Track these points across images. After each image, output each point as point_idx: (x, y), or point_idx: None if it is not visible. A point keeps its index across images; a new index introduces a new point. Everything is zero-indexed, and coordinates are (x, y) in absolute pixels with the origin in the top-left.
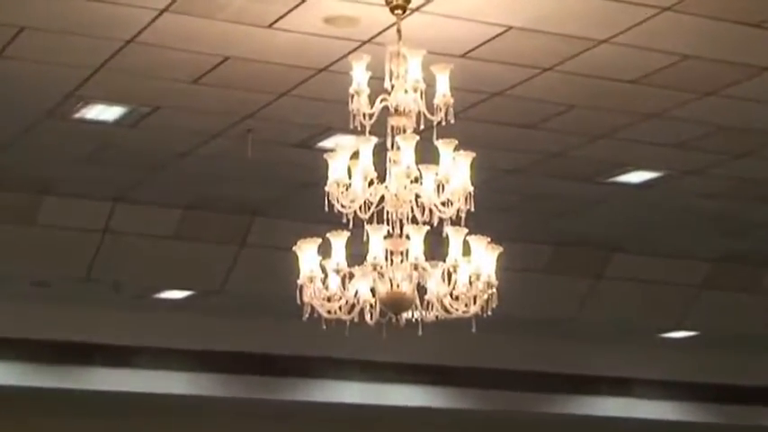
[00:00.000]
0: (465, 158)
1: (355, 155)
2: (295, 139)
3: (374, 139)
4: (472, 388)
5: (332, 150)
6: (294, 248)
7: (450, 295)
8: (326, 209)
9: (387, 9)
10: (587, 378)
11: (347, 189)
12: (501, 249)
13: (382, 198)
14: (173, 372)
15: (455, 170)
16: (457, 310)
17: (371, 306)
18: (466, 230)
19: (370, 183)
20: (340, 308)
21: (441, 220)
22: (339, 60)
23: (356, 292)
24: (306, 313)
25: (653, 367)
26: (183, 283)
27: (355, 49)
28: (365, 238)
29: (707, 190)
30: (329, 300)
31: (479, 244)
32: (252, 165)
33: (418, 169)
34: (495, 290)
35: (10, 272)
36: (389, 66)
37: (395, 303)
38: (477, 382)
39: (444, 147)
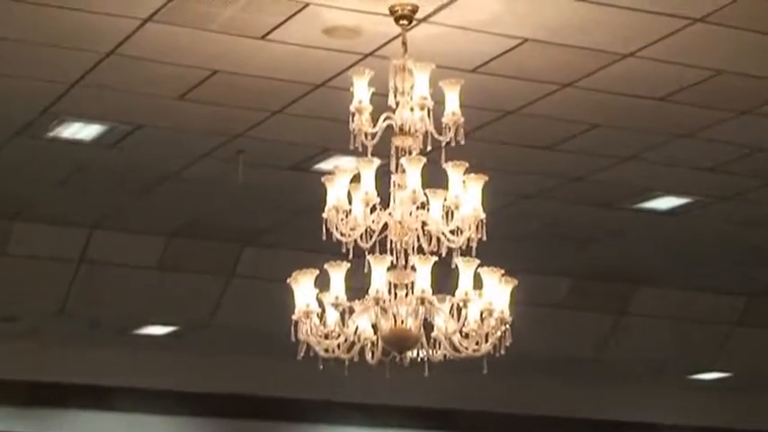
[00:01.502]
0: (476, 182)
1: (356, 178)
2: (290, 160)
3: (377, 162)
4: None
5: (330, 173)
6: (289, 280)
7: (460, 332)
8: (324, 237)
9: (391, 19)
10: (610, 424)
11: (347, 216)
12: (515, 282)
13: (385, 226)
14: (155, 415)
15: (465, 195)
16: (467, 348)
17: (373, 344)
18: (477, 261)
19: (373, 209)
20: (338, 346)
21: (449, 251)
22: (339, 75)
23: (356, 329)
24: (301, 351)
25: (682, 412)
26: (166, 318)
27: (356, 63)
28: (366, 269)
29: (742, 217)
30: (327, 337)
31: (492, 276)
32: (243, 189)
33: (425, 194)
34: (508, 327)
35: None
36: (394, 81)
37: (399, 341)
38: (488, 428)
39: (454, 170)
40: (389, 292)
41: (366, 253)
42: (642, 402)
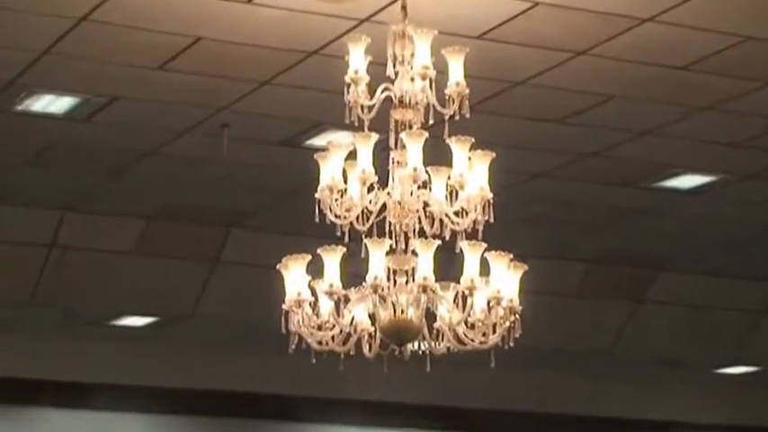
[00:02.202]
0: (482, 159)
1: (352, 155)
2: (279, 136)
3: (374, 136)
4: None
5: (324, 150)
6: (278, 266)
7: (465, 323)
8: (317, 219)
9: None
10: (628, 422)
11: (342, 196)
12: (525, 268)
13: (384, 207)
14: (134, 414)
15: (471, 173)
16: (472, 340)
17: (371, 336)
18: (484, 246)
19: (370, 188)
20: (333, 338)
21: (454, 234)
22: (333, 42)
23: (352, 319)
24: (292, 344)
25: (705, 409)
26: (145, 308)
27: (352, 29)
28: (363, 254)
29: None
30: (320, 328)
31: (500, 262)
32: (228, 167)
33: (427, 172)
34: (517, 317)
35: None
36: (393, 49)
37: (399, 332)
38: (496, 426)
39: (458, 145)
40: (388, 279)
41: (363, 236)
42: (662, 398)
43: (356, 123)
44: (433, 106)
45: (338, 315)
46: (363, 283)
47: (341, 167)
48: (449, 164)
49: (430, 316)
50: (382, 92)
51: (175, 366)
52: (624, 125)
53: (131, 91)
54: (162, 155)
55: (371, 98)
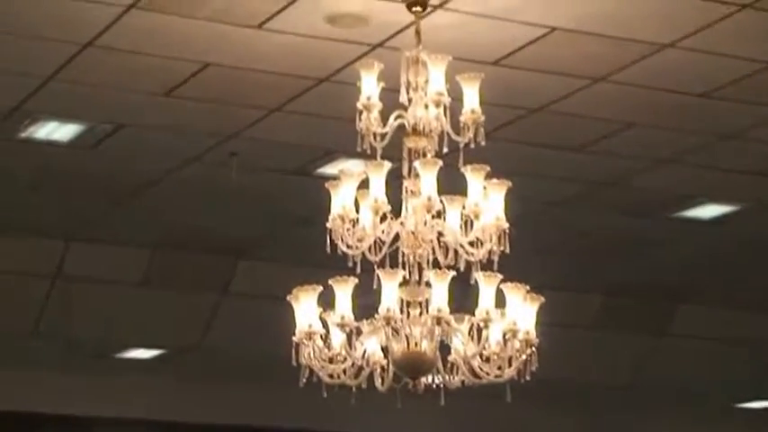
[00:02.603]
0: (498, 188)
1: (364, 184)
2: (290, 164)
3: (387, 165)
4: None
5: (335, 178)
6: (288, 298)
7: (480, 356)
8: (328, 250)
9: (403, 5)
10: None
11: (354, 225)
12: (542, 300)
13: (397, 237)
14: None
15: (486, 203)
16: (488, 374)
17: (383, 369)
18: (499, 277)
19: (383, 218)
20: (345, 371)
21: (468, 265)
22: (344, 68)
23: (365, 352)
24: (303, 378)
25: None
26: (151, 341)
27: (364, 55)
28: (376, 285)
29: None
30: (332, 361)
31: (516, 293)
32: (237, 195)
33: (441, 201)
34: (534, 350)
35: None
36: (406, 75)
37: (412, 365)
38: None
39: (473, 174)
40: (401, 310)
41: (375, 267)
42: None
43: (368, 151)
44: (448, 134)
45: (350, 347)
46: (376, 315)
47: (353, 196)
48: (463, 193)
49: (444, 349)
50: (395, 119)
51: (182, 400)
52: (643, 153)
53: (138, 118)
54: (169, 183)
55: (384, 125)
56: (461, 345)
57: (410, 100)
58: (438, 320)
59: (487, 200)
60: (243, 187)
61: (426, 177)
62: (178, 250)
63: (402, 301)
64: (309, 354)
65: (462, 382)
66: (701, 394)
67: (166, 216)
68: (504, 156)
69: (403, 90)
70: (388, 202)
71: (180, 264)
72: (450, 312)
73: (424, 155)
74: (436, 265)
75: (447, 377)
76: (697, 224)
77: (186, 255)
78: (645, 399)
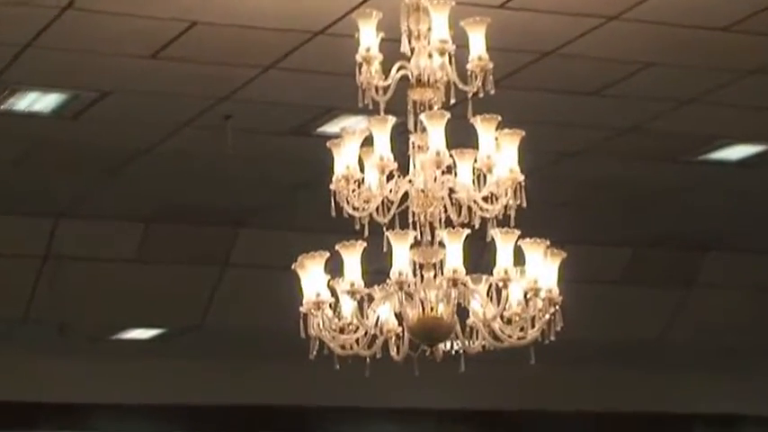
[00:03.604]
0: (511, 139)
1: (367, 141)
2: (288, 124)
3: (391, 120)
4: None
5: (337, 137)
6: (294, 267)
7: (501, 318)
8: (334, 213)
9: None
10: (680, 418)
11: (359, 186)
12: (564, 255)
13: (406, 196)
14: None
15: (499, 155)
16: (510, 336)
17: (398, 337)
18: (517, 233)
19: (390, 177)
20: (357, 341)
21: (483, 221)
22: (340, 20)
23: (377, 320)
24: (313, 350)
25: (765, 401)
26: (149, 320)
27: (361, 4)
28: (386, 248)
29: None
30: (343, 331)
31: (535, 250)
32: (233, 161)
33: (451, 156)
34: (558, 308)
35: None
36: (407, 23)
37: (428, 332)
38: (538, 429)
39: (483, 125)
40: (414, 274)
41: (384, 229)
42: (717, 392)
43: (371, 107)
44: (455, 84)
45: (362, 316)
46: (387, 280)
47: (356, 155)
48: (474, 146)
49: (462, 312)
50: (398, 71)
51: (185, 382)
52: (664, 95)
53: (123, 84)
54: (160, 152)
55: (386, 78)
56: (480, 307)
57: (412, 50)
58: (454, 282)
59: (500, 152)
60: (239, 152)
61: (434, 131)
62: (174, 222)
63: (414, 263)
64: (319, 324)
65: (483, 346)
66: (737, 346)
67: (159, 187)
68: (515, 104)
69: (404, 39)
70: (395, 160)
71: (176, 237)
72: (467, 273)
73: (431, 107)
74: (449, 223)
75: (466, 342)
76: (724, 167)
77: (182, 227)
78: (675, 356)
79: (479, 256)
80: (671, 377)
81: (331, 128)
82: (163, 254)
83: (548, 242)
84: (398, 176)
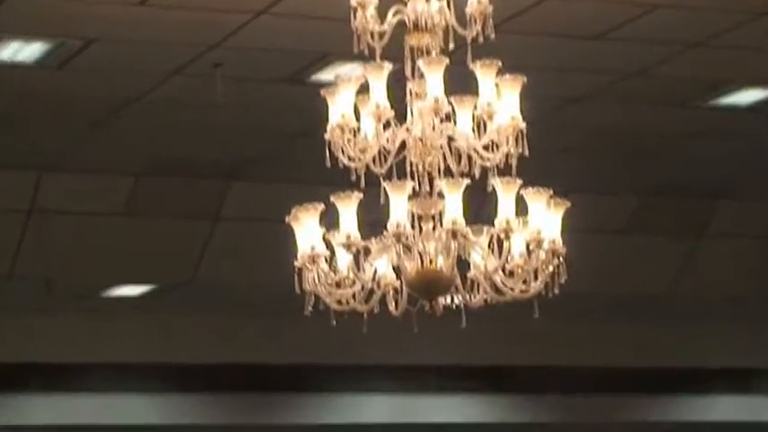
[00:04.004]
0: (512, 85)
1: (363, 89)
2: (280, 72)
3: (388, 66)
4: (538, 394)
5: (331, 85)
6: (288, 220)
7: (503, 270)
8: (328, 164)
9: None
10: (693, 372)
11: (355, 135)
12: (568, 205)
13: (403, 145)
14: (133, 395)
15: (499, 102)
16: (512, 289)
17: (396, 291)
18: (519, 182)
19: (386, 125)
20: (354, 296)
21: (484, 171)
22: None
23: (375, 274)
24: (308, 306)
25: None
26: (139, 276)
27: None
28: (383, 200)
29: None
30: (339, 285)
31: (538, 199)
32: (223, 111)
33: (450, 103)
34: (562, 260)
35: None
36: None
37: (428, 285)
38: (543, 385)
39: (483, 71)
40: (413, 226)
41: (381, 180)
42: (730, 345)
43: (366, 53)
44: (453, 28)
45: (358, 270)
46: (384, 233)
47: (352, 103)
48: (474, 93)
49: (462, 265)
50: (394, 15)
51: (176, 339)
52: (670, 38)
53: (109, 31)
54: (148, 102)
55: (382, 23)
56: (481, 259)
57: None
58: (454, 234)
59: (501, 98)
60: (230, 102)
61: (432, 77)
62: (163, 175)
63: (412, 215)
64: (314, 279)
65: (485, 300)
66: (749, 298)
67: (148, 139)
68: (516, 49)
69: None
70: (392, 108)
71: (166, 190)
72: (467, 224)
73: (428, 53)
74: (448, 173)
75: (467, 296)
76: (733, 112)
77: (172, 180)
78: (684, 309)
79: (480, 207)
80: (678, 332)
81: (325, 75)
82: (152, 208)
83: (551, 191)
84: (395, 125)
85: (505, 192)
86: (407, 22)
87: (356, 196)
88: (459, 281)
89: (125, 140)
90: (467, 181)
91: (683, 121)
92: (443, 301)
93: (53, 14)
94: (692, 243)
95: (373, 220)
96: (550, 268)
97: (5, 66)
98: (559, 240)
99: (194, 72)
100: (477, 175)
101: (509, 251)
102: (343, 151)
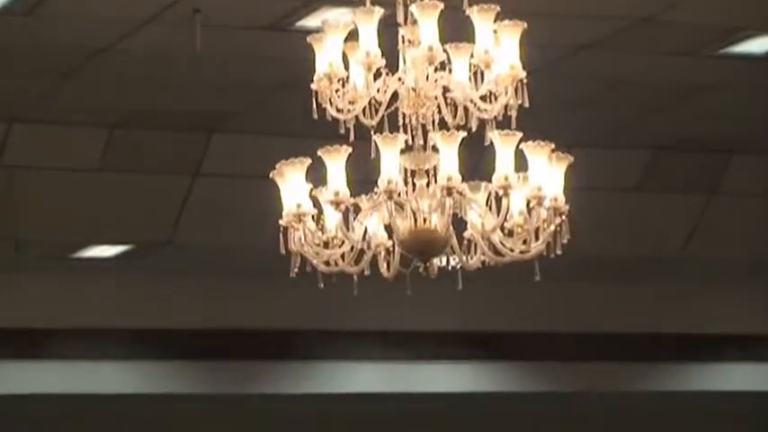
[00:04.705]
0: (511, 32)
1: (352, 36)
2: (263, 18)
3: (379, 11)
4: (539, 361)
5: (318, 31)
6: (272, 175)
7: (502, 230)
8: (315, 116)
9: None
10: (704, 338)
11: (343, 86)
12: (570, 160)
13: (395, 96)
14: (105, 362)
15: (498, 49)
16: (512, 250)
17: (388, 251)
18: (519, 135)
19: (377, 74)
20: (343, 256)
21: (482, 123)
22: None
23: (365, 233)
24: (294, 267)
25: None
26: (114, 236)
27: None
28: (374, 154)
29: None
30: (327, 245)
31: (539, 153)
32: (204, 61)
33: (445, 51)
34: (565, 219)
35: None
36: None
37: (422, 245)
38: (545, 352)
39: (481, 16)
40: (405, 182)
41: (372, 133)
42: (744, 310)
43: None
44: None
45: (347, 229)
46: (375, 189)
47: (340, 52)
48: (471, 40)
49: (458, 224)
50: None
51: (153, 304)
52: None
53: None
54: (122, 50)
55: None
56: (478, 218)
57: None
58: (449, 190)
59: (499, 46)
60: (210, 50)
61: (426, 23)
62: (139, 128)
63: (405, 170)
64: (300, 239)
65: (482, 262)
66: (763, 262)
67: (123, 89)
68: None
69: None
70: (383, 56)
71: (142, 144)
72: (463, 180)
73: None
74: (443, 125)
75: (464, 257)
76: (748, 61)
77: (149, 133)
78: (697, 272)
79: (477, 162)
80: (693, 295)
81: (311, 21)
82: (128, 163)
83: (552, 145)
84: (387, 74)
85: (504, 145)
86: None
87: (345, 150)
88: (454, 241)
89: (98, 91)
90: (463, 134)
91: (695, 72)
92: (438, 262)
93: None
94: (704, 201)
95: (363, 176)
96: (552, 227)
97: None
98: (562, 198)
99: (172, 19)
100: (474, 128)
101: (508, 209)
102: (331, 102)
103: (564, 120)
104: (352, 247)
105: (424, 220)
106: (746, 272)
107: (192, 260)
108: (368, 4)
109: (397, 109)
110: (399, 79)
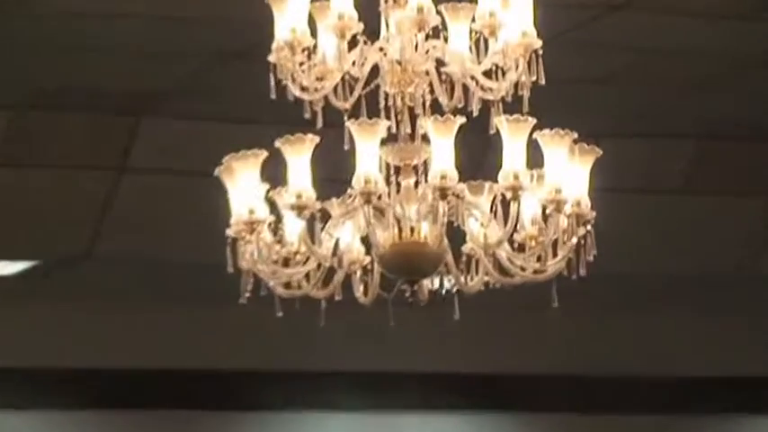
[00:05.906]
0: None
1: None
2: None
3: None
4: (556, 413)
5: None
6: (217, 171)
7: (509, 243)
8: (273, 96)
9: None
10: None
11: (309, 57)
12: (599, 153)
13: (376, 70)
14: (4, 412)
15: (507, 12)
16: (523, 269)
17: (365, 270)
18: (533, 121)
19: (353, 43)
20: (308, 276)
21: (485, 106)
22: None
23: (336, 246)
24: (245, 291)
25: None
26: (16, 249)
27: None
28: (347, 145)
29: None
30: (287, 263)
31: (558, 145)
32: (132, 25)
33: (439, 13)
34: (590, 229)
35: None
36: None
37: (407, 262)
38: (566, 401)
39: None
40: (388, 181)
41: (345, 118)
42: None
43: None
44: None
45: (313, 241)
46: (349, 190)
47: (306, 14)
48: None
49: (455, 235)
50: None
51: (65, 335)
52: None
53: None
54: (29, 11)
55: None
56: (480, 227)
57: None
58: (443, 192)
59: (508, 7)
60: (140, 11)
61: None
62: (51, 110)
63: (387, 166)
64: (253, 254)
65: (485, 284)
66: None
67: (31, 62)
68: None
69: None
70: (360, 19)
71: (54, 130)
72: (461, 179)
73: None
74: (436, 109)
75: (461, 278)
76: None
77: (62, 117)
78: (760, 295)
79: (479, 156)
80: (754, 327)
81: None
82: (36, 155)
83: (575, 135)
84: (365, 43)
85: (514, 135)
86: None
87: (311, 140)
88: (450, 257)
89: (0, 66)
90: (461, 120)
91: (753, 41)
92: (429, 284)
93: None
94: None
95: (333, 174)
96: (574, 240)
97: None
98: (587, 202)
99: None
100: (475, 112)
101: (518, 216)
102: (293, 78)
103: (590, 102)
104: (319, 265)
105: (411, 231)
106: None
107: (113, 281)
108: None
109: (377, 87)
110: (381, 49)
